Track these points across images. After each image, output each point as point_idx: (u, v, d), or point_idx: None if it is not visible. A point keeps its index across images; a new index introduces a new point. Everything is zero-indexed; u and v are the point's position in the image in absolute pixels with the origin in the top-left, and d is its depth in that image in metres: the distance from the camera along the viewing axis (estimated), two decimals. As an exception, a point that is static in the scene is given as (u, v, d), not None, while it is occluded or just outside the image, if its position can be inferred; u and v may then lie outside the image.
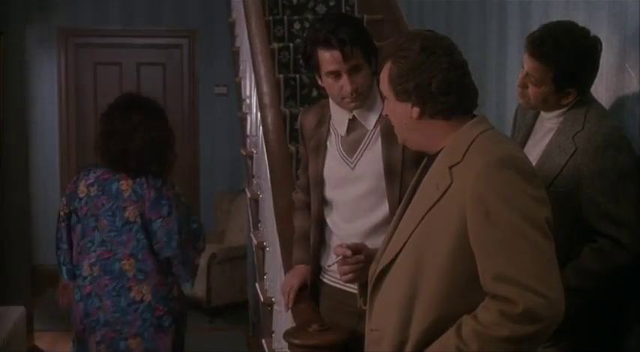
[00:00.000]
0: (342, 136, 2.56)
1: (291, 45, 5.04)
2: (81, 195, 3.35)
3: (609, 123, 2.31)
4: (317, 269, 2.66)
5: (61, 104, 7.71)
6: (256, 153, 4.23)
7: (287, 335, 2.48)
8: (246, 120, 4.76)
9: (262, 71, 3.97)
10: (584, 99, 2.36)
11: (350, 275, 2.12)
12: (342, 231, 2.55)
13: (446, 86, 1.86)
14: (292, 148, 4.17)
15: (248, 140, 4.59)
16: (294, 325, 2.65)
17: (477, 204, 1.75)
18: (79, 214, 3.35)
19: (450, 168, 1.83)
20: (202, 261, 6.63)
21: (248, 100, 4.65)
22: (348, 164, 2.53)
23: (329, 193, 2.59)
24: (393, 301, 1.87)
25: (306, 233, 2.71)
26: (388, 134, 2.43)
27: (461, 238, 1.77)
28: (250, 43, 4.27)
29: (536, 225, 1.74)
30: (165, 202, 3.31)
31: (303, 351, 2.42)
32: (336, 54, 2.40)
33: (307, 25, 5.27)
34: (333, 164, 2.56)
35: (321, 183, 2.60)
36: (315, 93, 4.76)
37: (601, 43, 2.33)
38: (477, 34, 3.81)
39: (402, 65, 1.88)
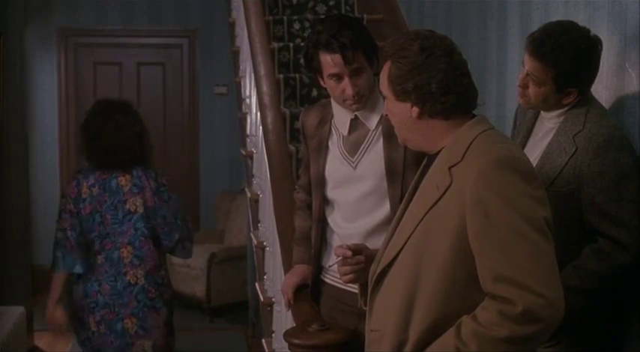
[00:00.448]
0: (343, 136, 2.56)
1: (291, 45, 5.04)
2: (84, 197, 3.68)
3: (610, 124, 2.31)
4: (318, 269, 2.66)
5: (61, 104, 7.71)
6: (256, 153, 4.23)
7: (287, 334, 2.48)
8: (246, 120, 4.76)
9: (262, 71, 3.97)
10: (585, 99, 2.36)
11: (350, 276, 2.12)
12: (344, 230, 2.55)
13: (445, 86, 1.86)
14: (292, 148, 4.17)
15: (248, 140, 4.59)
16: (294, 325, 2.65)
17: (476, 205, 1.75)
18: (82, 213, 3.67)
19: (450, 168, 1.83)
20: (202, 261, 6.65)
21: (248, 100, 4.65)
22: (349, 164, 2.53)
23: (330, 193, 2.59)
24: (393, 301, 1.87)
25: (307, 233, 2.72)
26: (390, 134, 2.43)
27: (460, 238, 1.77)
28: (250, 43, 4.27)
29: (536, 225, 1.74)
30: (163, 189, 3.74)
31: (303, 351, 2.42)
32: (338, 58, 2.41)
33: (307, 24, 5.27)
34: (335, 164, 2.56)
35: (322, 182, 2.60)
36: (315, 92, 4.76)
37: (601, 43, 2.33)
38: (476, 34, 3.81)
39: (401, 65, 1.88)
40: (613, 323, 2.36)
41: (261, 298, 3.76)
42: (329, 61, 2.43)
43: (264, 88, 3.86)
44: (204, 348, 5.97)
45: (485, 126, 1.89)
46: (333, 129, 2.60)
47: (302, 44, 4.88)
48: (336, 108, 2.58)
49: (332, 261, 2.57)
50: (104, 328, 3.63)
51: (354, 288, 2.49)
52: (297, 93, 4.81)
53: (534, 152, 2.40)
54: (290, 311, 2.74)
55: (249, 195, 4.55)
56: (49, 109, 7.67)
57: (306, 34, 5.20)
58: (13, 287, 5.65)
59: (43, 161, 7.56)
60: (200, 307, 6.71)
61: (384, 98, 1.98)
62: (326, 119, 2.63)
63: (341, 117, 2.57)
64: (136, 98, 7.77)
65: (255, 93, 4.14)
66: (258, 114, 3.94)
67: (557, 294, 1.72)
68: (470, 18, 3.93)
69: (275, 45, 4.99)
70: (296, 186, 2.92)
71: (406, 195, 2.01)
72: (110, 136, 3.65)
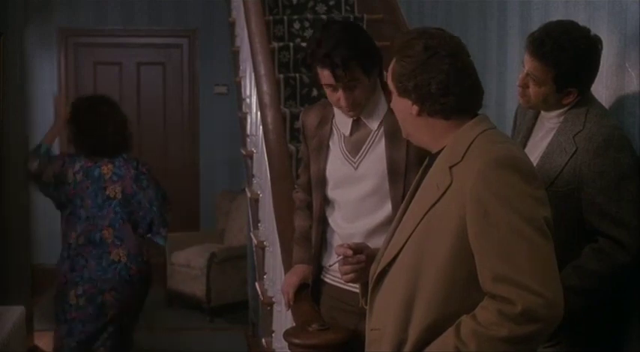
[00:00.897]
0: (345, 136, 2.56)
1: (291, 44, 5.04)
2: (69, 181, 4.08)
3: (610, 123, 2.31)
4: (318, 269, 2.66)
5: (59, 105, 7.69)
6: (256, 152, 4.23)
7: (287, 334, 2.48)
8: (246, 119, 4.76)
9: (262, 71, 3.97)
10: (585, 98, 2.36)
11: (351, 275, 2.12)
12: (344, 230, 2.55)
13: (445, 87, 1.86)
14: (292, 148, 4.17)
15: (248, 140, 4.59)
16: (294, 324, 2.65)
17: (476, 205, 1.75)
18: (68, 195, 4.08)
19: (450, 167, 1.83)
20: (202, 261, 6.65)
21: (248, 100, 4.65)
22: (351, 164, 2.53)
23: (331, 193, 2.59)
24: (393, 300, 1.87)
25: (307, 232, 2.71)
26: (392, 134, 2.44)
27: (460, 238, 1.77)
28: (250, 43, 4.27)
29: (535, 225, 1.74)
30: (143, 177, 4.13)
31: (303, 351, 2.42)
32: (330, 74, 2.43)
33: (307, 24, 5.27)
34: (336, 164, 2.56)
35: (323, 182, 2.60)
36: (315, 92, 4.76)
37: (602, 43, 2.33)
38: (476, 34, 3.81)
39: (404, 64, 1.89)
40: (613, 323, 2.36)
41: (261, 298, 3.76)
42: (323, 74, 2.45)
43: (264, 87, 3.86)
44: (204, 348, 5.97)
45: (486, 125, 1.89)
46: (334, 129, 2.60)
47: (302, 44, 4.88)
48: (338, 109, 2.58)
49: (332, 260, 2.57)
50: (84, 301, 4.01)
51: (354, 288, 2.49)
52: (297, 93, 4.81)
53: (534, 152, 2.40)
54: (290, 310, 2.74)
55: (249, 194, 4.55)
56: (49, 109, 7.63)
57: (306, 34, 5.20)
58: (13, 287, 5.65)
59: (43, 161, 7.55)
60: (200, 307, 6.71)
61: (387, 98, 1.99)
62: (327, 119, 2.63)
63: (343, 118, 2.57)
64: (136, 98, 7.78)
65: (255, 93, 4.14)
66: (258, 113, 3.94)
67: (557, 294, 1.72)
68: (470, 18, 3.93)
69: (275, 45, 4.99)
70: (295, 186, 2.92)
71: (407, 195, 2.01)
72: (98, 127, 4.08)
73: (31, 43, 7.39)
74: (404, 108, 1.93)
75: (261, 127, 3.82)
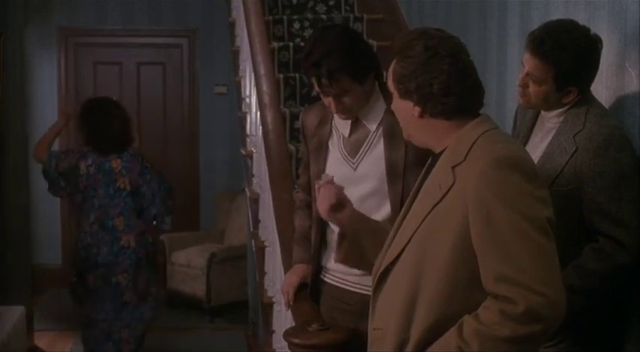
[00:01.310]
0: (344, 137, 2.56)
1: (291, 44, 5.04)
2: (82, 173, 4.56)
3: (610, 123, 2.31)
4: (317, 269, 2.66)
5: (61, 104, 7.69)
6: (256, 152, 4.23)
7: (287, 334, 2.47)
8: (246, 119, 4.76)
9: (262, 70, 3.97)
10: (584, 98, 2.36)
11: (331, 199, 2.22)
12: (343, 230, 2.54)
13: (446, 87, 1.86)
14: (292, 148, 4.17)
15: (248, 139, 4.60)
16: (294, 324, 2.65)
17: (478, 205, 1.75)
18: (80, 187, 4.57)
19: (453, 167, 1.83)
20: (202, 261, 6.66)
21: (248, 100, 4.65)
22: (350, 165, 2.53)
23: (330, 193, 2.58)
24: (395, 300, 1.87)
25: (306, 232, 2.71)
26: (391, 135, 2.44)
27: (463, 238, 1.77)
28: (250, 43, 4.27)
29: (537, 225, 1.74)
30: (146, 171, 4.63)
31: (303, 351, 2.41)
32: (316, 83, 2.44)
33: (307, 24, 5.27)
34: (335, 164, 2.56)
35: (322, 183, 2.59)
36: (314, 92, 4.76)
37: (601, 42, 2.33)
38: (476, 34, 3.81)
39: (405, 65, 1.89)
40: (613, 323, 2.36)
41: (262, 298, 3.75)
42: (312, 81, 2.47)
43: (264, 87, 3.86)
44: (204, 348, 5.97)
45: (488, 125, 1.89)
46: (333, 129, 2.60)
47: (302, 44, 4.88)
48: (334, 111, 2.59)
49: (332, 260, 2.57)
50: (101, 283, 4.54)
51: (354, 287, 2.50)
52: (297, 92, 4.81)
53: (535, 152, 2.40)
54: (290, 310, 2.74)
55: (249, 194, 4.55)
56: (49, 109, 7.66)
57: (306, 34, 5.20)
58: (13, 287, 5.65)
59: (43, 161, 7.55)
60: (200, 307, 6.71)
61: (387, 98, 1.99)
62: (326, 119, 2.62)
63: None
64: (136, 98, 7.78)
65: (255, 93, 4.14)
66: (258, 113, 3.94)
67: (559, 294, 1.72)
68: (470, 18, 3.93)
69: (275, 45, 4.99)
70: (295, 186, 2.92)
71: (410, 195, 2.01)
72: (107, 126, 4.58)
73: (31, 43, 7.39)
74: (406, 110, 1.93)
75: (261, 127, 3.82)
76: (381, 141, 2.49)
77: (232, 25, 5.52)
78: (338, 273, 2.56)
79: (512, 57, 3.37)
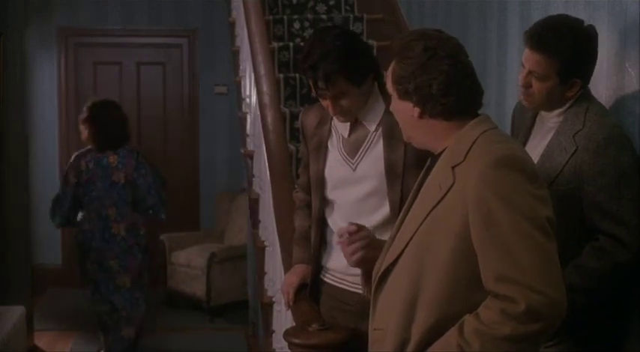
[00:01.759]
0: (343, 137, 2.56)
1: (291, 44, 5.04)
2: (83, 169, 5.09)
3: (610, 122, 2.31)
4: (317, 269, 2.66)
5: (61, 104, 7.71)
6: (256, 152, 4.23)
7: (287, 334, 2.47)
8: (246, 119, 4.76)
9: (262, 70, 3.97)
10: (584, 97, 2.36)
11: (358, 255, 2.13)
12: (343, 230, 2.54)
13: (445, 88, 1.86)
14: (292, 148, 4.17)
15: (248, 139, 4.59)
16: (294, 324, 2.65)
17: (478, 204, 1.75)
18: (81, 181, 5.07)
19: (453, 168, 1.83)
20: (202, 261, 6.66)
21: (248, 100, 4.65)
22: (349, 165, 2.53)
23: (330, 194, 2.59)
24: (396, 300, 1.87)
25: (306, 232, 2.71)
26: (390, 136, 2.44)
27: (463, 238, 1.78)
28: (250, 43, 4.27)
29: (538, 224, 1.74)
30: (141, 166, 5.10)
31: (303, 351, 2.41)
32: (313, 86, 2.44)
33: (307, 24, 5.27)
34: (335, 165, 2.56)
35: (322, 183, 2.60)
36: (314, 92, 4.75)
37: (596, 31, 2.34)
38: (476, 34, 3.81)
39: (404, 66, 1.89)
40: (614, 322, 2.36)
41: (262, 298, 3.75)
42: (310, 82, 2.47)
43: (264, 87, 3.86)
44: (204, 348, 5.97)
45: (487, 125, 1.89)
46: (332, 130, 2.60)
47: (302, 44, 4.88)
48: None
49: (332, 260, 2.57)
50: (96, 266, 5.04)
51: (353, 287, 2.50)
52: (297, 92, 4.81)
53: (534, 151, 2.39)
54: (290, 310, 2.74)
55: (249, 194, 4.54)
56: (49, 109, 7.67)
57: (306, 34, 5.20)
58: (13, 287, 5.65)
59: (43, 161, 7.55)
60: (200, 307, 6.71)
61: (386, 99, 1.99)
62: (326, 119, 2.62)
63: (341, 119, 2.57)
64: (135, 98, 7.78)
65: (255, 93, 4.14)
66: (258, 113, 3.94)
67: (560, 293, 1.72)
68: (470, 18, 3.93)
69: (275, 44, 4.99)
70: (295, 186, 2.92)
71: (410, 195, 2.01)
72: (110, 126, 5.11)
73: (31, 43, 7.39)
74: (405, 111, 1.93)
75: (261, 127, 3.82)
76: (381, 141, 2.49)
77: (232, 25, 5.52)
78: (338, 273, 2.56)
79: (512, 57, 3.37)
